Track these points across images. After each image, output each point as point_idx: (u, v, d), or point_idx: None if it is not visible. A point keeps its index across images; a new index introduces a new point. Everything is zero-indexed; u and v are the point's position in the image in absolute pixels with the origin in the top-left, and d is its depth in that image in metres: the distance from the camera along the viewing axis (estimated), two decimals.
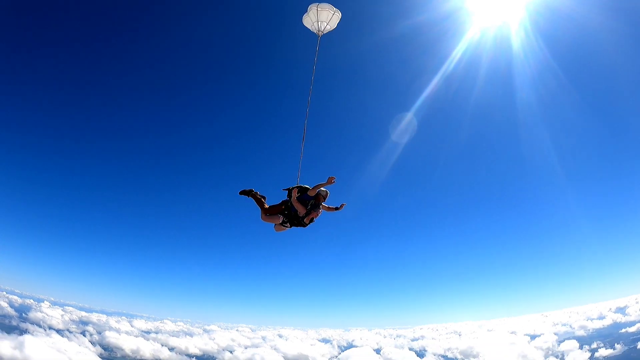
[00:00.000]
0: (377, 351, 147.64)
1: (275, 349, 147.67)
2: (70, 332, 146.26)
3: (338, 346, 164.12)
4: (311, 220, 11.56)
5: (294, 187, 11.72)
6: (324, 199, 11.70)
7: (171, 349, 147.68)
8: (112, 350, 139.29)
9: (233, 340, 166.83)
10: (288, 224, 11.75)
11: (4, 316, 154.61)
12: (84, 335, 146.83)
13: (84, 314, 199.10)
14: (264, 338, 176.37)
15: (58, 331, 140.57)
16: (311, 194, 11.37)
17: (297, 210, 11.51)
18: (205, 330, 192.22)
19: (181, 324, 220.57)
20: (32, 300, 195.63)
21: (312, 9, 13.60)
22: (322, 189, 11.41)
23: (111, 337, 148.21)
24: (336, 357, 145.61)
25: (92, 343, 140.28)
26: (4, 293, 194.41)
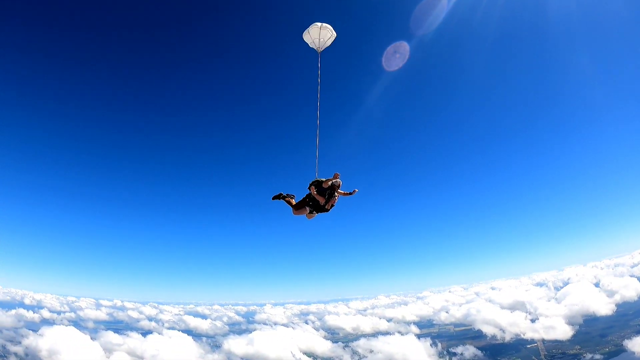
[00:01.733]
0: (596, 285, 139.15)
1: (490, 301, 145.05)
2: (293, 323, 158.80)
3: (554, 287, 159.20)
4: (332, 206, 13.88)
5: (313, 184, 13.80)
6: (338, 187, 13.77)
7: (389, 320, 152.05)
8: (334, 332, 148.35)
9: (447, 301, 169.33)
10: (315, 212, 14.03)
11: (234, 324, 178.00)
12: (307, 324, 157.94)
13: (303, 307, 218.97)
14: (477, 294, 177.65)
15: (283, 325, 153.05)
16: (325, 186, 13.55)
17: (318, 200, 13.69)
18: (418, 298, 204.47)
19: (394, 296, 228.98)
20: (255, 306, 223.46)
21: (314, 28, 14.72)
22: (336, 180, 13.51)
23: (331, 321, 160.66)
24: (553, 297, 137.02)
25: (315, 329, 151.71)
26: (230, 306, 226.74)
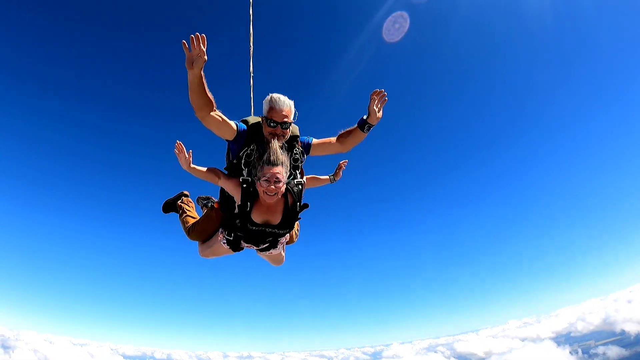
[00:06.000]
0: None
1: (630, 302, 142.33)
2: (421, 355, 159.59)
3: None
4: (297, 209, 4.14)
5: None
6: (278, 135, 3.94)
7: (522, 340, 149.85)
8: (466, 358, 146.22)
9: (583, 312, 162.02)
10: (254, 246, 4.41)
11: None
12: (436, 352, 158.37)
13: (431, 340, 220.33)
14: (615, 300, 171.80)
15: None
16: (228, 137, 4.09)
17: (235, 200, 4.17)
18: (550, 316, 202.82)
19: (526, 319, 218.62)
20: (382, 346, 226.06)
21: None
22: (269, 111, 3.93)
23: (461, 348, 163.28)
24: None
25: (446, 358, 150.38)
26: (357, 348, 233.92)
